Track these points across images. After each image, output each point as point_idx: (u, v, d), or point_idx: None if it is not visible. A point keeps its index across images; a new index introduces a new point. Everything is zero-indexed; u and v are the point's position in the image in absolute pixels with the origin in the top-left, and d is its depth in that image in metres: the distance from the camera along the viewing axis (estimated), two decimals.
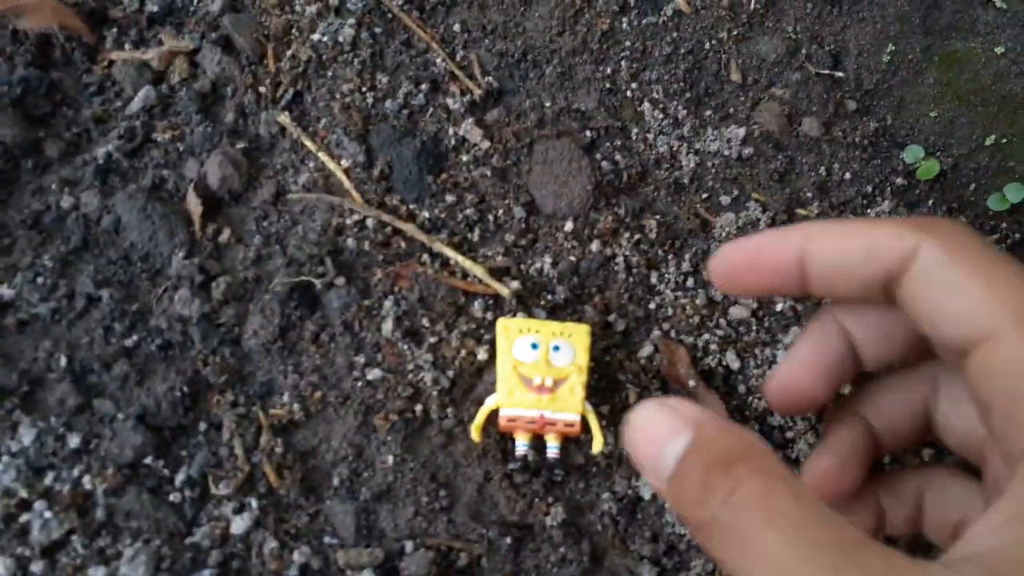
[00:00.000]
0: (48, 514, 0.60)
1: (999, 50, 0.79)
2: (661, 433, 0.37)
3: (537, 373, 0.54)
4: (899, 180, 0.83)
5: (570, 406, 0.54)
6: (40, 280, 0.72)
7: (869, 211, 0.81)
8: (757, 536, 0.30)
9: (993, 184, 0.82)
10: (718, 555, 0.33)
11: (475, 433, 0.57)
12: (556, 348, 0.54)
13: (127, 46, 0.86)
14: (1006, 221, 0.82)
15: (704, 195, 0.83)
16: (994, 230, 0.82)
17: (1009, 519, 0.30)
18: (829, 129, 0.85)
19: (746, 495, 0.32)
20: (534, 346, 0.54)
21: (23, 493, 0.61)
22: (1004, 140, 0.81)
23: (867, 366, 0.46)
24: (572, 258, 0.77)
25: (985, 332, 0.33)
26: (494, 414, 0.58)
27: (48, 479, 0.62)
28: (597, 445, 0.55)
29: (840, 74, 0.86)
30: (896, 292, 0.38)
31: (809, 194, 0.82)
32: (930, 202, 0.83)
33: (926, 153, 0.82)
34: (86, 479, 0.63)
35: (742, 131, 0.84)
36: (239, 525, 0.62)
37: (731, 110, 0.86)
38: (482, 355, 0.69)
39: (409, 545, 0.62)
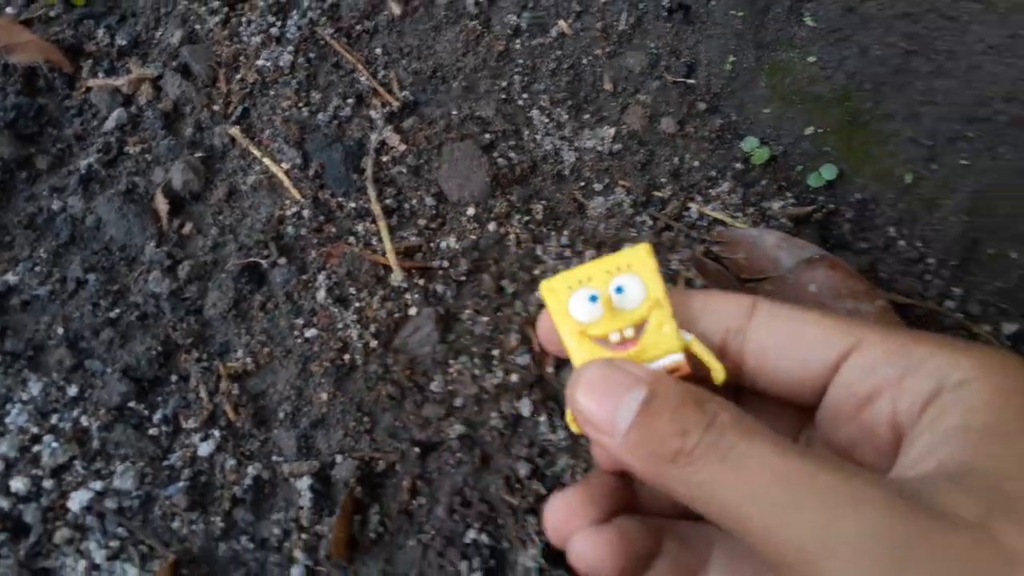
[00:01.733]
0: (55, 444, 0.78)
1: (811, 59, 0.99)
2: (617, 389, 0.36)
3: (610, 328, 0.41)
4: (738, 165, 1.02)
5: (666, 346, 0.40)
6: (38, 268, 0.89)
7: (711, 191, 1.01)
8: (745, 447, 0.32)
9: (813, 166, 1.02)
10: (699, 478, 0.33)
11: (573, 426, 0.42)
12: (619, 290, 0.41)
13: (101, 74, 1.03)
14: (823, 195, 1.02)
15: (581, 183, 1.01)
16: (813, 202, 1.01)
17: (938, 438, 0.32)
18: (683, 126, 1.04)
19: (726, 419, 0.34)
20: (592, 299, 0.41)
21: (34, 430, 0.78)
22: (820, 131, 1.01)
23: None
24: (473, 236, 0.95)
25: (852, 343, 0.36)
26: None
27: (54, 419, 0.80)
28: (718, 375, 0.40)
29: (692, 81, 1.05)
30: (743, 345, 0.40)
31: (664, 179, 1.01)
32: (763, 182, 1.02)
33: (760, 143, 1.02)
34: (83, 419, 0.80)
35: (612, 131, 1.03)
36: (204, 449, 0.80)
37: (604, 114, 1.05)
38: (398, 314, 0.88)
39: (339, 458, 0.81)
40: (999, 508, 0.28)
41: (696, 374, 0.40)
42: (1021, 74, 0.85)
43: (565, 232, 0.98)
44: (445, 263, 0.94)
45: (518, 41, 1.07)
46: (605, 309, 0.41)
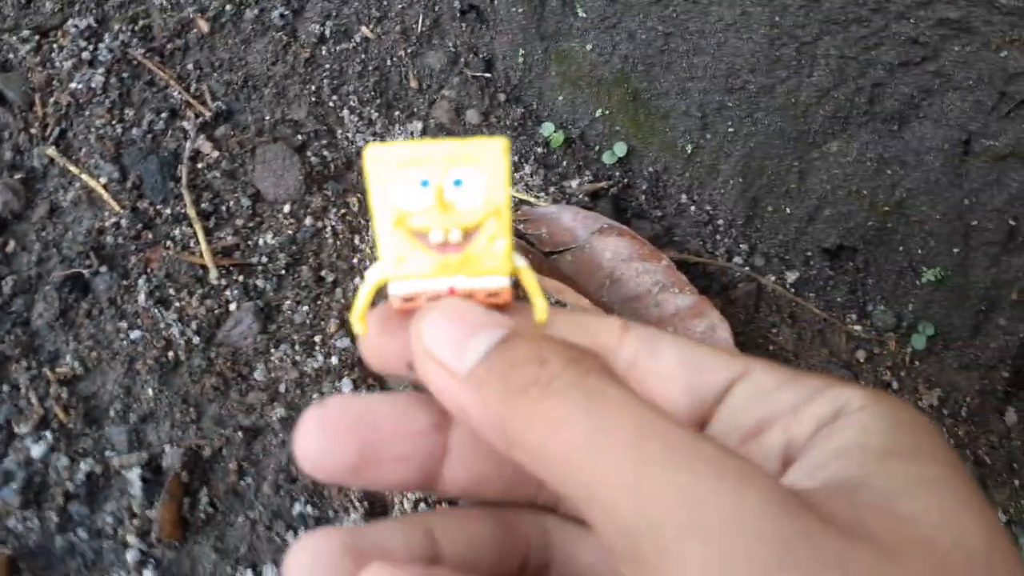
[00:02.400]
0: None
1: (589, 47, 1.10)
2: (473, 324, 0.31)
3: (435, 224, 0.34)
4: (539, 149, 1.13)
5: (492, 265, 0.34)
6: None
7: (516, 174, 1.11)
8: (614, 393, 0.27)
9: (607, 144, 1.14)
10: (552, 417, 0.27)
11: (358, 323, 0.35)
12: (457, 182, 0.34)
13: None
14: (618, 170, 1.13)
15: None
16: (610, 178, 1.13)
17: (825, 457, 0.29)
18: (487, 117, 1.14)
19: (594, 363, 0.29)
20: (424, 183, 0.34)
21: None
22: (608, 112, 1.13)
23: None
24: (290, 232, 1.03)
25: (740, 371, 0.33)
26: (382, 292, 0.36)
27: None
28: (540, 312, 0.35)
29: (490, 75, 1.15)
30: (616, 367, 0.34)
31: None
32: (564, 163, 1.13)
33: (556, 127, 1.13)
34: None
35: (421, 125, 1.12)
36: (37, 451, 0.86)
37: (413, 110, 1.14)
38: (218, 310, 0.95)
39: (168, 448, 0.87)
40: (895, 525, 0.25)
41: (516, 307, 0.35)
42: (757, 47, 0.97)
43: None
44: (264, 259, 1.01)
45: (324, 48, 1.15)
46: (436, 200, 0.33)
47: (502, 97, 1.16)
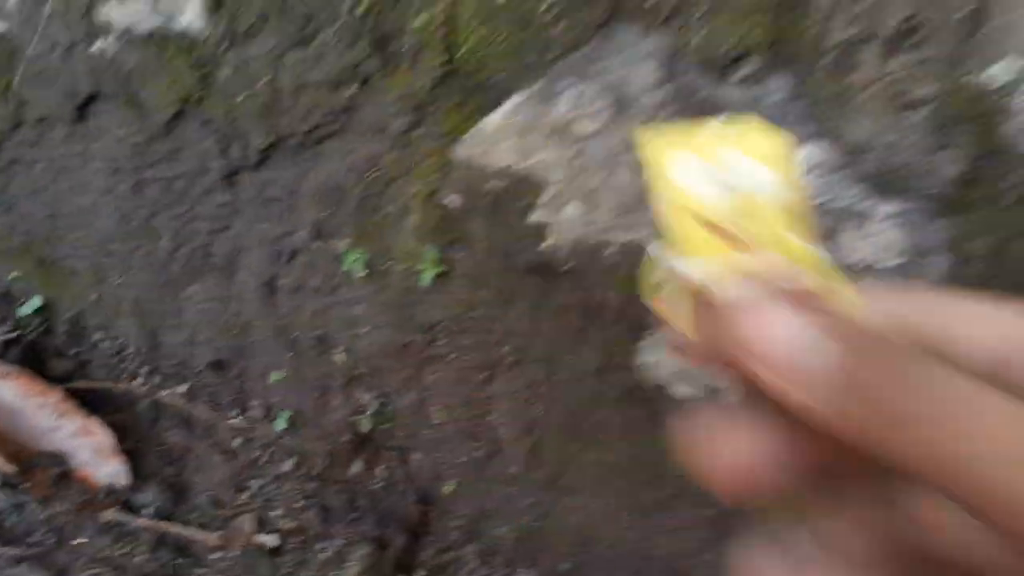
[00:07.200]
0: None
1: None
2: (815, 322, 0.25)
3: (728, 220, 0.29)
4: None
5: (793, 256, 0.28)
6: None
7: None
8: (958, 381, 0.23)
9: (24, 300, 1.39)
10: (927, 435, 0.22)
11: (649, 296, 0.29)
12: (744, 173, 0.29)
13: None
14: (36, 320, 1.40)
15: None
16: (27, 327, 1.38)
17: None
18: None
19: (951, 369, 0.24)
20: (711, 173, 0.29)
21: None
22: (22, 274, 1.39)
23: None
24: None
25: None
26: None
27: None
28: (853, 303, 0.27)
29: None
30: None
31: None
32: None
33: None
34: None
35: None
36: None
37: None
38: None
39: None
40: None
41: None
42: (118, 223, 1.30)
43: None
44: None
45: None
46: (729, 193, 0.29)
47: None
